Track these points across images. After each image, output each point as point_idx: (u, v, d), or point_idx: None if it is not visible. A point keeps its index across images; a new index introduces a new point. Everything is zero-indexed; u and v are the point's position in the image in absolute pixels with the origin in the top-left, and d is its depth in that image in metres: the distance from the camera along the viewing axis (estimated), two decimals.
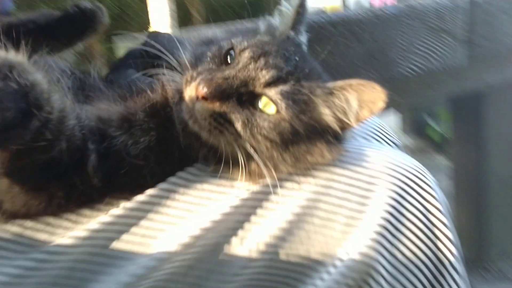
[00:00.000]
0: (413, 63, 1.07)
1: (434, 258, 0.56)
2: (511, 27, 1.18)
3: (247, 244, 0.54)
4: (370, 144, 0.65)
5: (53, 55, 0.85)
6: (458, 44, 1.12)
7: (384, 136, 0.75)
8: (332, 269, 0.54)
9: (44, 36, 0.83)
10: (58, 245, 0.53)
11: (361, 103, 0.55)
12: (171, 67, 0.63)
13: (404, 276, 0.55)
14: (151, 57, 0.72)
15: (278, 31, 0.66)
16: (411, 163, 0.60)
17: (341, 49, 0.98)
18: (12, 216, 0.54)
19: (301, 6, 0.66)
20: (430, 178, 0.60)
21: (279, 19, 0.69)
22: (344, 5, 1.32)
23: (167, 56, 0.61)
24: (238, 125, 0.54)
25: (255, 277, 0.55)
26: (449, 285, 0.56)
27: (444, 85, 1.24)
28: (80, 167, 0.52)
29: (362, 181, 0.56)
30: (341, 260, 0.54)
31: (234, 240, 0.54)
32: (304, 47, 0.68)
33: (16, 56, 0.48)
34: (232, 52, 0.60)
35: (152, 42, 0.66)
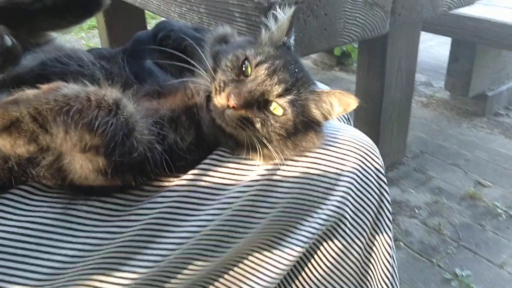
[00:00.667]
0: (353, 32, 1.31)
1: (378, 205, 0.88)
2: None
3: (268, 203, 0.80)
4: (335, 124, 0.92)
5: (59, 32, 0.93)
6: (385, 14, 1.38)
7: (344, 116, 1.03)
8: (316, 216, 0.83)
9: (51, 15, 0.90)
10: (133, 214, 0.73)
11: (340, 105, 0.80)
12: (191, 66, 0.80)
13: (359, 217, 0.86)
14: (165, 50, 0.87)
15: (275, 36, 0.85)
16: (364, 141, 0.88)
17: (300, 24, 1.17)
18: (90, 194, 0.72)
19: (293, 16, 0.85)
20: (377, 150, 0.89)
21: (274, 23, 0.87)
22: None
23: (200, 70, 0.79)
24: (258, 125, 0.76)
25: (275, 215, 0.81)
26: (385, 221, 0.89)
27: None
28: (151, 161, 0.71)
29: (336, 157, 0.84)
30: (322, 211, 0.83)
31: (258, 202, 0.79)
32: (292, 47, 0.89)
33: (115, 93, 0.63)
34: (246, 63, 0.79)
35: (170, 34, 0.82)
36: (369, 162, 0.87)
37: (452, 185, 2.28)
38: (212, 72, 0.79)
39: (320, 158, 0.82)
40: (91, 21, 4.62)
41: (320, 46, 1.22)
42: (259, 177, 0.79)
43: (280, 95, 0.76)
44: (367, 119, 2.33)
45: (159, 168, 0.73)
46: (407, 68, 2.23)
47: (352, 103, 0.79)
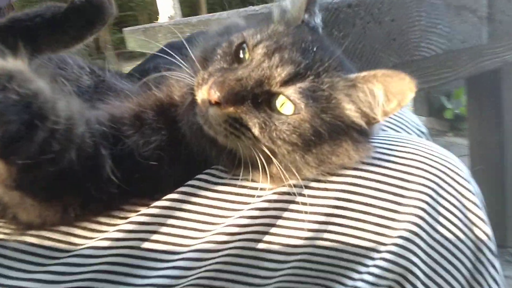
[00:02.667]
0: (434, 43, 1.01)
1: (472, 256, 0.53)
2: None
3: (276, 246, 0.52)
4: (399, 135, 0.62)
5: (64, 50, 0.83)
6: (479, 21, 1.06)
7: (411, 124, 0.72)
8: (364, 271, 0.52)
9: (51, 30, 0.80)
10: (77, 255, 0.51)
11: (388, 95, 0.51)
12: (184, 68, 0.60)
13: (441, 276, 0.52)
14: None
15: (291, 15, 0.62)
16: (444, 155, 0.57)
17: (358, 31, 0.93)
18: (28, 227, 0.53)
19: None
20: (464, 170, 0.57)
21: (291, 1, 0.65)
22: None
23: (178, 60, 0.58)
24: (255, 130, 0.51)
25: (289, 274, 0.53)
26: (488, 285, 0.53)
27: (463, 65, 1.18)
28: (93, 174, 0.50)
29: (394, 178, 0.53)
30: (373, 262, 0.51)
31: (261, 245, 0.52)
32: (320, 30, 0.64)
33: (15, 64, 0.45)
34: (244, 46, 0.56)
35: (167, 50, 0.63)
36: (451, 186, 0.54)
37: None
38: (199, 65, 0.57)
39: (361, 182, 0.53)
40: None
41: (388, 60, 0.95)
42: (266, 205, 0.52)
43: (286, 82, 0.51)
44: (487, 182, 1.85)
45: (111, 185, 0.51)
46: None
47: (407, 87, 0.50)
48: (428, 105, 3.26)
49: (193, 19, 1.71)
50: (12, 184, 0.45)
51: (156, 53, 0.81)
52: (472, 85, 1.78)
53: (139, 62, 0.90)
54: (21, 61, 0.46)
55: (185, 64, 0.58)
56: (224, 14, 1.37)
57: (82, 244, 0.52)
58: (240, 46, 0.56)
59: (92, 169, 0.49)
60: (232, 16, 1.26)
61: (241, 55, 0.56)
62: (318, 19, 0.62)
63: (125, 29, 3.29)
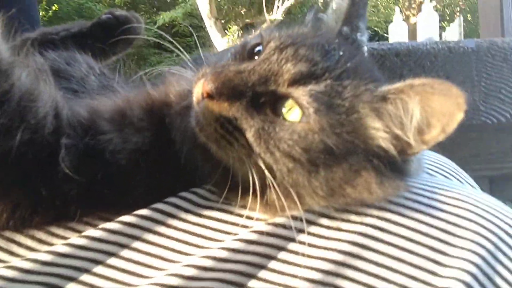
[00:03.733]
0: (496, 110, 0.89)
1: None
2: None
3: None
4: (436, 179, 0.49)
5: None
6: None
7: (451, 170, 0.57)
8: None
9: (76, 45, 0.78)
10: (14, 268, 0.40)
11: (428, 114, 0.39)
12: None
13: None
14: None
15: (327, 26, 0.54)
16: (501, 208, 0.43)
17: None
18: None
19: None
20: None
21: (332, 16, 0.57)
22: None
23: (181, 51, 0.51)
24: (250, 135, 0.40)
25: None
26: None
27: None
28: (47, 167, 0.41)
29: (435, 228, 0.40)
30: None
31: (260, 273, 0.39)
32: (365, 49, 0.55)
33: None
34: (260, 48, 0.48)
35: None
36: (510, 248, 0.39)
37: None
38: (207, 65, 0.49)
39: (387, 226, 0.40)
40: None
41: None
42: (255, 237, 0.40)
43: (296, 82, 0.41)
44: None
45: (64, 187, 0.41)
46: None
47: (454, 104, 0.38)
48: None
49: None
50: None
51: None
52: None
53: None
54: None
55: (191, 62, 0.51)
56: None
57: (21, 255, 0.41)
58: (255, 47, 0.48)
59: (46, 161, 0.40)
60: None
61: (255, 56, 0.47)
62: (363, 37, 0.53)
63: None
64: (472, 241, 0.39)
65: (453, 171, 0.56)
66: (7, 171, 0.40)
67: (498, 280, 0.37)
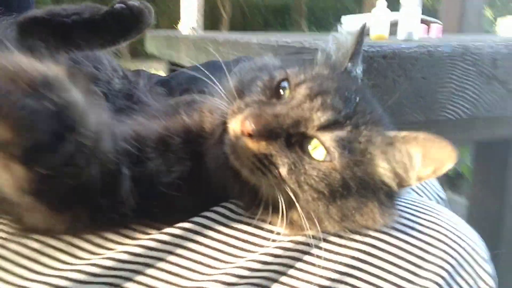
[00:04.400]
0: (460, 107, 1.01)
1: None
2: None
3: (296, 284, 0.49)
4: (422, 201, 0.60)
5: (96, 50, 0.82)
6: (507, 93, 1.06)
7: (432, 189, 0.70)
8: None
9: (87, 30, 0.79)
10: (79, 271, 0.48)
11: (426, 160, 0.50)
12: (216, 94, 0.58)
13: None
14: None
15: (335, 62, 0.61)
16: (466, 231, 0.55)
17: (388, 83, 0.92)
18: (32, 230, 0.50)
19: (361, 35, 0.61)
20: (484, 250, 0.55)
21: (335, 46, 0.64)
22: (391, 35, 1.27)
23: (213, 82, 0.57)
24: (284, 170, 0.49)
25: None
26: None
27: (478, 131, 1.18)
28: (110, 192, 0.47)
29: (415, 247, 0.51)
30: None
31: (283, 279, 0.49)
32: (359, 80, 0.63)
33: (54, 70, 0.43)
34: (285, 84, 0.55)
35: (202, 69, 0.61)
36: (469, 265, 0.52)
37: None
38: (236, 95, 0.56)
39: (382, 246, 0.51)
40: None
41: (412, 116, 0.95)
42: (280, 252, 0.50)
43: (323, 128, 0.49)
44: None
45: (126, 206, 0.48)
46: None
47: (448, 157, 0.48)
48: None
49: (220, 36, 1.71)
50: (28, 190, 0.43)
51: (185, 70, 0.79)
52: (481, 149, 1.78)
53: (153, 63, 0.89)
54: (60, 67, 0.44)
55: (221, 89, 0.57)
56: (254, 39, 1.37)
57: (85, 259, 0.49)
58: (281, 82, 0.55)
59: (110, 187, 0.47)
60: (262, 42, 1.26)
61: (281, 92, 0.54)
62: (359, 70, 0.61)
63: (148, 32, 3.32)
64: (441, 258, 0.51)
65: (425, 187, 0.69)
66: (75, 194, 0.46)
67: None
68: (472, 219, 1.91)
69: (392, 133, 0.52)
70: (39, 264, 0.48)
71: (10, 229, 0.51)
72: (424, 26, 1.16)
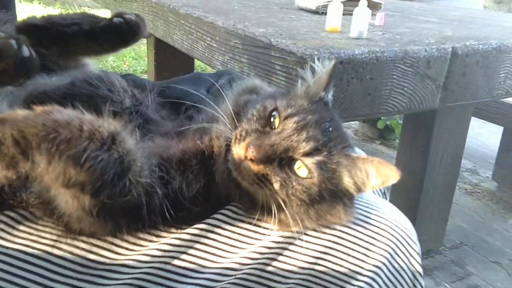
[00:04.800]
0: (399, 102, 1.22)
1: (411, 282, 0.74)
2: (482, 79, 1.36)
3: (280, 271, 0.67)
4: (370, 198, 0.80)
5: (94, 58, 0.90)
6: (436, 88, 1.28)
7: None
8: None
9: (86, 40, 0.87)
10: (123, 265, 0.63)
11: (378, 176, 0.69)
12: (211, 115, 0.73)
13: None
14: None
15: (312, 90, 0.77)
16: (402, 222, 0.76)
17: (343, 83, 1.10)
18: (79, 233, 0.64)
19: (333, 70, 0.77)
20: (414, 234, 0.76)
21: (311, 75, 0.80)
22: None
23: (216, 110, 0.71)
24: (276, 186, 0.66)
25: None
26: None
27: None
28: (148, 207, 0.62)
29: (367, 236, 0.71)
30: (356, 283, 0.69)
31: (268, 269, 0.67)
32: (330, 104, 0.80)
33: (115, 126, 0.56)
34: (275, 113, 0.70)
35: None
36: (404, 248, 0.74)
37: (492, 286, 2.03)
38: (235, 119, 0.71)
39: (345, 236, 0.70)
40: (143, 65, 4.80)
41: (361, 111, 1.14)
42: (272, 244, 0.68)
43: (307, 154, 0.66)
44: (406, 199, 2.17)
45: (157, 216, 0.63)
46: (454, 150, 2.09)
47: (393, 175, 0.68)
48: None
49: (181, 10, 1.77)
50: (90, 211, 0.56)
51: (183, 77, 0.91)
52: (410, 115, 2.05)
53: None
54: (117, 121, 0.56)
55: (223, 116, 0.71)
56: (219, 22, 1.47)
57: (125, 255, 0.64)
58: (272, 112, 0.70)
59: (149, 203, 0.61)
60: (228, 27, 1.37)
61: (272, 119, 0.70)
62: (330, 95, 0.78)
63: None
64: (385, 243, 0.72)
65: None
66: (114, 209, 0.59)
67: (397, 265, 0.72)
68: (399, 170, 2.23)
69: (355, 156, 0.70)
70: (89, 261, 0.63)
71: (58, 231, 0.64)
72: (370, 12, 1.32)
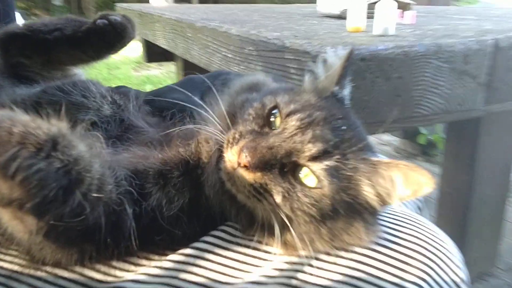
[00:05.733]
0: (434, 103, 1.06)
1: None
2: None
3: None
4: (401, 212, 0.66)
5: (79, 66, 0.82)
6: (478, 86, 1.12)
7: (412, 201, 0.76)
8: None
9: (69, 47, 0.79)
10: None
11: (406, 184, 0.55)
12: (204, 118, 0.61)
13: None
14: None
15: (322, 85, 0.64)
16: (442, 241, 0.61)
17: (367, 84, 0.96)
18: (42, 263, 0.53)
19: (348, 60, 0.64)
20: (459, 257, 0.61)
21: (323, 68, 0.67)
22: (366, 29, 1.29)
23: (203, 107, 0.59)
24: (278, 198, 0.53)
25: None
26: None
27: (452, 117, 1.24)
28: (115, 230, 0.50)
29: (397, 260, 0.56)
30: None
31: None
32: (346, 101, 0.67)
33: (59, 127, 0.45)
34: (276, 111, 0.58)
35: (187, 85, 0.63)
36: (446, 273, 0.58)
37: None
38: (229, 120, 0.59)
39: (367, 261, 0.56)
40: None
41: (390, 114, 0.99)
42: (275, 273, 0.54)
43: (314, 158, 0.53)
44: (452, 218, 1.95)
45: (130, 240, 0.52)
46: (502, 162, 1.88)
47: (426, 183, 0.53)
48: (403, 128, 3.35)
49: (198, 23, 1.70)
50: (38, 234, 0.45)
51: (174, 85, 0.81)
52: (453, 124, 1.86)
53: None
54: (63, 123, 0.46)
55: (214, 117, 0.60)
56: (233, 30, 1.37)
57: (102, 282, 0.52)
58: (272, 110, 0.58)
59: (115, 225, 0.50)
60: (242, 34, 1.27)
61: (272, 118, 0.57)
62: (346, 91, 0.65)
63: (119, 4, 3.21)
64: (420, 269, 0.57)
65: None
66: (82, 234, 0.49)
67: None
68: (444, 189, 2.03)
69: (375, 160, 0.56)
70: None
71: (22, 260, 0.54)
72: (398, 11, 1.18)
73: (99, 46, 0.78)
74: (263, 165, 0.52)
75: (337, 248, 0.56)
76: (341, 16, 1.74)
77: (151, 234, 0.53)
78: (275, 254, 0.56)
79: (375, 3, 1.42)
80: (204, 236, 0.57)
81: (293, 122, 0.55)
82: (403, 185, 0.54)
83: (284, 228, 0.54)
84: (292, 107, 0.57)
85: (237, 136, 0.55)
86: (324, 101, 0.60)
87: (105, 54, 0.80)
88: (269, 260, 0.56)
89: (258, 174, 0.52)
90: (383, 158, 0.57)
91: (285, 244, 0.55)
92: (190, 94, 0.69)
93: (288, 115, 0.56)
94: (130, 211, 0.51)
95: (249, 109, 0.59)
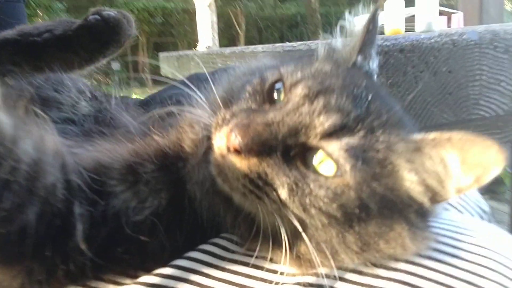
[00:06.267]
0: (495, 103, 0.88)
1: None
2: None
3: None
4: (463, 220, 0.48)
5: (75, 71, 0.73)
6: None
7: (473, 202, 0.58)
8: None
9: (59, 48, 0.71)
10: None
11: (465, 166, 0.38)
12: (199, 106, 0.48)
13: None
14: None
15: (341, 56, 0.51)
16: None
17: (409, 80, 0.81)
18: None
19: (372, 21, 0.51)
20: None
21: (342, 39, 0.53)
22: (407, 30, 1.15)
23: (196, 93, 0.47)
24: (283, 192, 0.39)
25: None
26: None
27: None
28: (58, 239, 0.38)
29: (459, 280, 0.39)
30: None
31: None
32: (375, 77, 0.52)
33: None
34: (279, 86, 0.44)
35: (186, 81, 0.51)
36: None
37: None
38: (221, 104, 0.46)
39: (415, 281, 0.39)
40: None
41: (441, 116, 0.82)
42: None
43: (329, 135, 0.39)
44: None
45: (80, 254, 0.38)
46: None
47: (494, 160, 0.37)
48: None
49: (227, 50, 1.63)
50: None
51: (174, 83, 0.70)
52: None
53: None
54: None
55: (203, 99, 0.47)
56: (259, 47, 1.28)
57: None
58: (274, 84, 0.44)
59: (58, 232, 0.37)
60: (267, 49, 1.17)
61: (275, 96, 0.44)
62: (374, 64, 0.50)
63: (161, 53, 3.29)
64: None
65: (464, 201, 0.56)
66: (18, 244, 0.36)
67: None
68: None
69: (418, 136, 0.40)
70: None
71: None
72: (444, 17, 1.03)
73: (91, 45, 0.70)
74: (259, 147, 0.38)
75: (370, 262, 0.39)
76: None
77: (115, 246, 0.40)
78: (283, 273, 0.40)
79: (413, 16, 1.28)
80: (190, 251, 0.42)
81: (298, 91, 0.41)
82: (461, 168, 0.38)
83: (295, 236, 0.39)
84: (298, 75, 0.43)
85: (227, 116, 0.42)
86: (341, 69, 0.45)
87: (99, 55, 0.71)
88: (275, 283, 0.40)
89: (254, 160, 0.38)
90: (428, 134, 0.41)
91: (298, 259, 0.40)
92: (191, 85, 0.57)
93: (294, 84, 0.42)
94: (80, 212, 0.38)
95: (247, 87, 0.46)
